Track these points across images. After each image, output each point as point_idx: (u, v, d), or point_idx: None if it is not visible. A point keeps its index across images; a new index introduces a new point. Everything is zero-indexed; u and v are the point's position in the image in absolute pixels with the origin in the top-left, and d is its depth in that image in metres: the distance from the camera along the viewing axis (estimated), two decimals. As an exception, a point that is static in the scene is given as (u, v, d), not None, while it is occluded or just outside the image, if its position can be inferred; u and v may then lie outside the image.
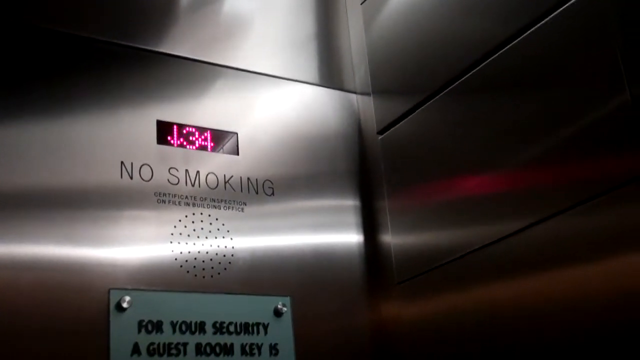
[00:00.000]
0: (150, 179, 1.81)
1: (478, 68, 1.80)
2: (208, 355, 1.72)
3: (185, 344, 1.70)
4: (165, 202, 1.81)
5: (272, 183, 1.99)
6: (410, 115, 2.01)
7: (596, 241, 1.46)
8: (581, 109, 1.53)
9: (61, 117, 1.76)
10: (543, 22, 1.63)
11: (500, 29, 1.74)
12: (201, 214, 1.85)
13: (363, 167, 2.17)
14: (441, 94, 1.91)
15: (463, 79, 1.84)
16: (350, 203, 2.11)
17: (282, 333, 1.82)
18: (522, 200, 1.64)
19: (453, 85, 1.87)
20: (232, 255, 1.84)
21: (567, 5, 1.58)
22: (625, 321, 1.39)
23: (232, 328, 1.76)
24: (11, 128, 1.68)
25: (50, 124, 1.74)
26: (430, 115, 1.95)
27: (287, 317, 1.84)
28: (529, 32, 1.67)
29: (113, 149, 1.79)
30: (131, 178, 1.78)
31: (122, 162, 1.78)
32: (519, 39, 1.69)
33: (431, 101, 1.94)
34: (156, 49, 1.96)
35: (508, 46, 1.72)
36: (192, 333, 1.71)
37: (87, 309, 1.62)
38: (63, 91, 1.78)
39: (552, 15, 1.61)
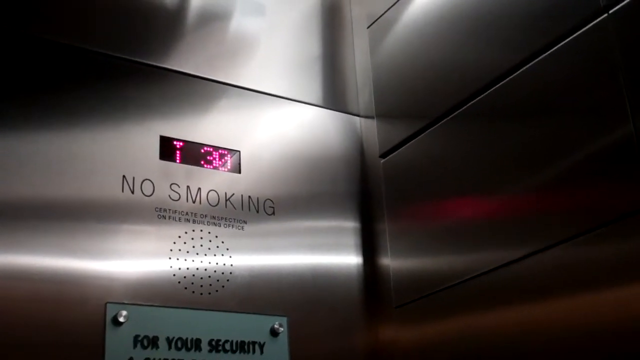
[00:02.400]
0: (152, 194, 1.81)
1: (482, 95, 1.81)
2: (203, 372, 1.72)
3: (180, 361, 1.69)
4: (165, 218, 1.80)
5: (272, 202, 1.99)
6: (413, 140, 2.01)
7: (598, 271, 1.46)
8: (585, 139, 1.53)
9: (64, 129, 1.76)
10: (549, 52, 1.64)
11: (506, 58, 1.75)
12: (201, 230, 1.84)
13: (364, 190, 2.17)
14: (445, 119, 1.91)
15: (467, 105, 1.85)
16: (350, 225, 2.11)
17: (278, 353, 1.81)
18: (525, 227, 1.64)
19: (457, 112, 1.88)
20: (231, 273, 1.84)
21: (573, 36, 1.59)
22: (629, 351, 1.39)
23: (228, 346, 1.75)
24: (13, 139, 1.69)
25: (53, 136, 1.74)
26: (433, 141, 1.95)
27: (284, 337, 1.84)
28: (535, 61, 1.68)
29: (115, 163, 1.79)
30: (132, 192, 1.78)
31: (123, 177, 1.78)
32: (524, 67, 1.70)
33: (434, 127, 1.94)
34: (161, 65, 1.97)
35: (514, 74, 1.73)
36: (188, 350, 1.70)
37: (83, 322, 1.61)
38: (67, 104, 1.79)
39: (558, 46, 1.62)
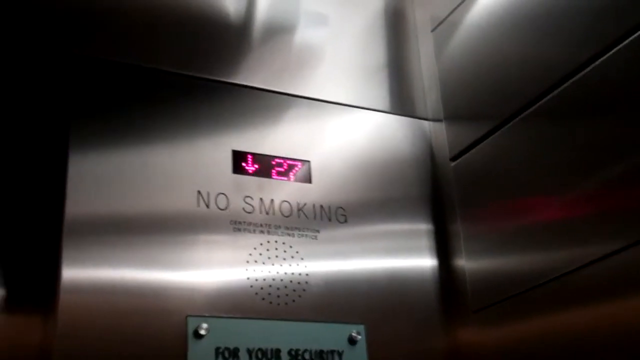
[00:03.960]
0: (226, 208, 1.84)
1: (551, 94, 1.78)
2: (283, 382, 1.74)
3: (261, 371, 1.72)
4: (240, 230, 1.83)
5: (344, 210, 2.00)
6: (484, 142, 2.00)
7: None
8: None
9: (139, 147, 1.81)
10: (620, 46, 1.60)
11: (575, 54, 1.72)
12: (275, 241, 1.87)
13: (436, 193, 2.16)
14: (515, 119, 1.89)
15: (538, 104, 1.82)
16: (423, 227, 2.10)
17: (357, 361, 1.82)
18: (603, 226, 1.60)
19: (527, 111, 1.85)
20: (307, 282, 1.86)
21: (642, 30, 1.56)
22: None
23: (307, 355, 1.77)
24: (91, 158, 1.74)
25: (129, 154, 1.79)
26: (504, 142, 1.93)
27: (362, 345, 1.84)
28: (604, 57, 1.64)
29: (190, 178, 1.83)
30: (207, 207, 1.82)
31: (198, 192, 1.82)
32: (594, 64, 1.67)
33: (505, 127, 1.92)
34: (230, 80, 2.01)
35: (583, 72, 1.69)
36: (268, 360, 1.73)
37: (166, 335, 1.65)
38: (142, 122, 1.84)
39: (630, 39, 1.58)
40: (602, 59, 1.65)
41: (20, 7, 1.83)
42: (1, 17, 1.80)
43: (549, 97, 1.79)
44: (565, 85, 1.74)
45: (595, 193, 1.64)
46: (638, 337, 1.49)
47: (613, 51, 1.62)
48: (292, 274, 1.85)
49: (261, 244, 1.84)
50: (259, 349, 1.72)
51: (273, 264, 1.84)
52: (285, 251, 1.87)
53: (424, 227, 2.11)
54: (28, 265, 1.68)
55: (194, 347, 1.65)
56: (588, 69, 1.68)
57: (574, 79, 1.72)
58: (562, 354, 1.67)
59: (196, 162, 1.85)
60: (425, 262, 2.06)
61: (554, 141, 1.77)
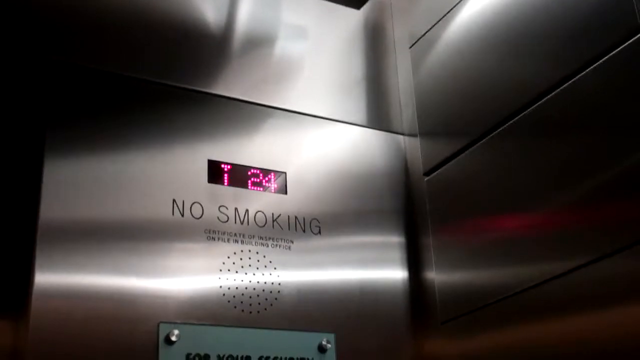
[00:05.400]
0: (201, 217, 1.86)
1: (524, 113, 1.82)
2: (253, 389, 1.76)
3: (231, 378, 1.74)
4: (214, 239, 1.86)
5: (319, 222, 2.03)
6: (457, 158, 2.03)
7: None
8: (626, 153, 1.54)
9: (116, 155, 1.83)
10: (592, 67, 1.64)
11: (546, 75, 1.77)
12: (249, 251, 1.89)
13: (409, 207, 2.20)
14: (488, 137, 1.93)
15: (509, 122, 1.86)
16: (395, 240, 2.13)
17: (326, 370, 1.85)
18: (568, 242, 1.65)
19: (499, 129, 1.89)
20: (279, 291, 1.88)
21: (612, 53, 1.60)
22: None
23: (277, 363, 1.80)
24: (68, 165, 1.76)
25: (105, 161, 1.80)
26: (477, 158, 1.97)
27: (331, 354, 1.87)
28: (575, 78, 1.68)
29: (165, 186, 1.85)
30: (182, 215, 1.84)
31: (174, 200, 1.84)
32: (565, 84, 1.71)
33: (478, 144, 1.96)
34: (208, 91, 2.03)
35: (554, 92, 1.74)
36: (238, 367, 1.75)
37: (137, 341, 1.67)
38: (118, 130, 1.85)
39: (601, 61, 1.63)
40: (575, 78, 1.69)
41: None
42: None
43: (522, 115, 1.83)
44: (539, 103, 1.78)
45: (562, 210, 1.68)
46: (600, 349, 1.53)
47: (586, 71, 1.66)
48: (265, 283, 1.87)
49: (235, 253, 1.87)
50: (230, 356, 1.74)
51: (246, 273, 1.86)
52: (258, 260, 1.89)
53: (396, 239, 2.14)
54: (0, 270, 1.69)
55: (164, 353, 1.67)
56: (561, 87, 1.72)
57: (548, 97, 1.76)
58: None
59: (172, 171, 1.87)
60: (396, 273, 2.09)
61: (525, 159, 1.81)
